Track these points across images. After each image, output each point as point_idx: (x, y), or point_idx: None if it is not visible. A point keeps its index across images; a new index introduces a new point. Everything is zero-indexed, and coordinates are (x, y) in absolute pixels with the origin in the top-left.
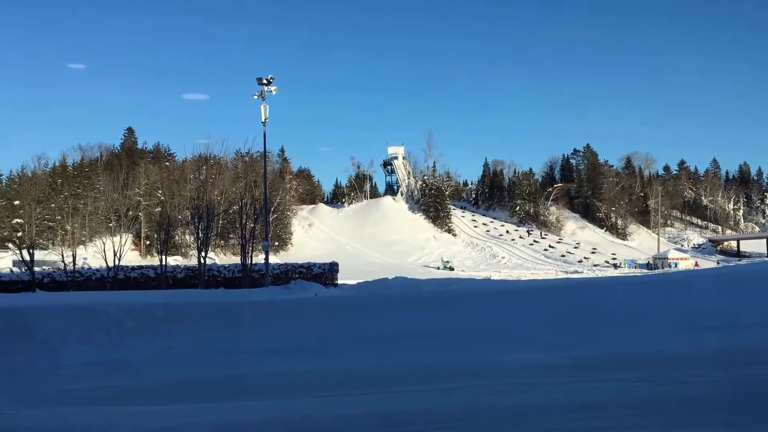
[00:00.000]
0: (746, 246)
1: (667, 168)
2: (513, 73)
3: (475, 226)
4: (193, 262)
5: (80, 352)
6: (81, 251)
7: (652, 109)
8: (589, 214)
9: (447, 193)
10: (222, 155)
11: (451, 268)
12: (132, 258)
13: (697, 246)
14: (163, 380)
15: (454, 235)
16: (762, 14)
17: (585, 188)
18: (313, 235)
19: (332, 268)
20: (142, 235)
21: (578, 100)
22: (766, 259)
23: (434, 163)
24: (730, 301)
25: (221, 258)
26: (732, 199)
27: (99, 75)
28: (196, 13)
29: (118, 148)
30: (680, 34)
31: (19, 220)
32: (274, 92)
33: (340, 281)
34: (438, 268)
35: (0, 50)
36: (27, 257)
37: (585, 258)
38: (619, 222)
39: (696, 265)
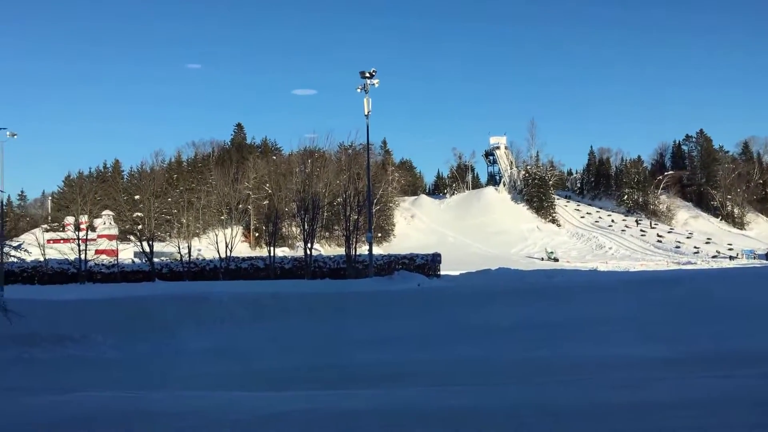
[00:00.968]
0: None
1: None
2: (618, 58)
3: (581, 217)
4: (299, 253)
5: (196, 339)
6: (195, 243)
7: None
8: (702, 202)
9: (551, 182)
10: (326, 148)
11: (556, 259)
12: (242, 249)
13: None
14: (273, 367)
15: (559, 225)
16: None
17: (698, 175)
18: (415, 227)
19: (435, 259)
20: (252, 227)
21: (690, 82)
22: None
23: (537, 152)
24: None
25: (326, 249)
26: None
27: (213, 74)
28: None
29: (229, 143)
30: None
31: (139, 214)
32: (376, 85)
33: (442, 272)
34: (542, 259)
35: (137, 50)
36: (147, 249)
37: (695, 247)
38: (736, 210)
39: None
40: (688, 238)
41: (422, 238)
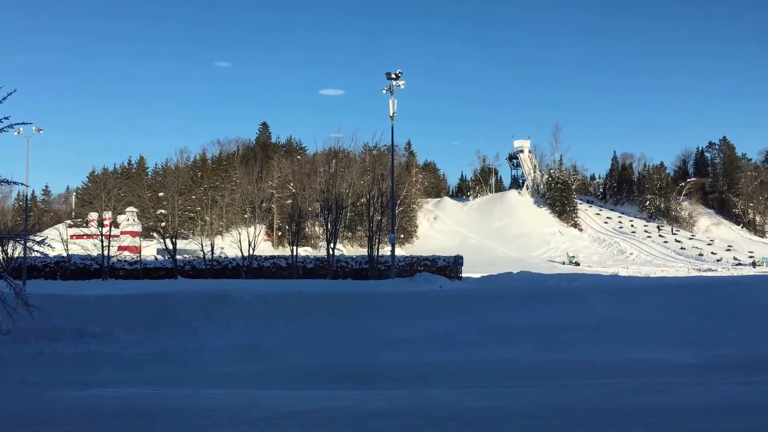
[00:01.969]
0: None
1: None
2: (643, 65)
3: (603, 222)
4: (322, 253)
5: (218, 336)
6: (218, 241)
7: None
8: (724, 209)
9: (573, 187)
10: (351, 149)
11: (577, 264)
12: (265, 248)
13: None
14: (296, 365)
15: (581, 230)
16: None
17: (720, 183)
18: (437, 228)
19: (457, 261)
20: (275, 226)
21: (714, 90)
22: None
23: (561, 156)
24: None
25: (348, 249)
26: None
27: (242, 72)
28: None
29: (254, 142)
30: None
31: (163, 211)
32: (402, 86)
33: (464, 274)
34: (563, 263)
35: (168, 47)
36: (170, 246)
37: (714, 253)
38: (758, 218)
39: None
40: (709, 244)
41: (444, 240)
